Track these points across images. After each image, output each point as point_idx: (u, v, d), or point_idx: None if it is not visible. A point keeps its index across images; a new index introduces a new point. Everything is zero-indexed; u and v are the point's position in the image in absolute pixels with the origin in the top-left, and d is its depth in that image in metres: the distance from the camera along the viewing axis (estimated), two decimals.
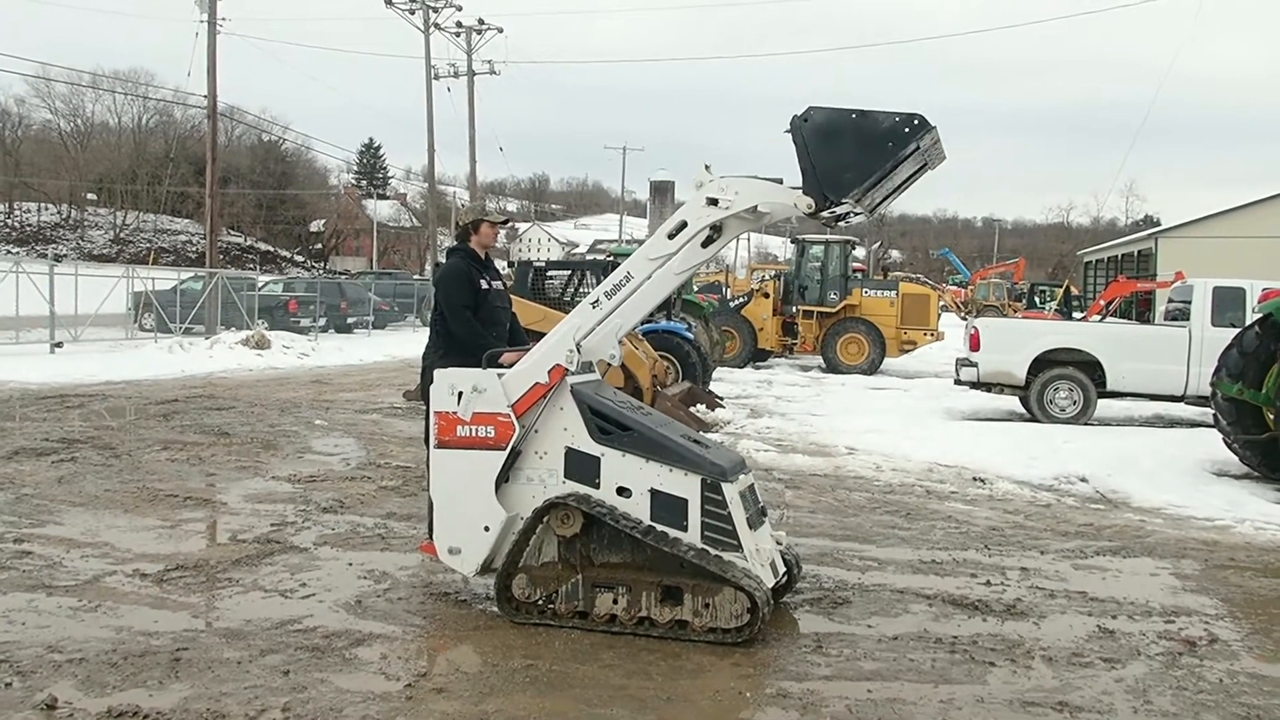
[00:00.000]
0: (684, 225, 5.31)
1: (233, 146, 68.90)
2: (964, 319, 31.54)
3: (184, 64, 30.68)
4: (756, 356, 23.77)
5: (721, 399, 15.04)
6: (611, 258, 18.53)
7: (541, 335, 5.61)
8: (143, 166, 67.79)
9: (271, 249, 72.06)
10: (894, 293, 23.65)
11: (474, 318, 6.09)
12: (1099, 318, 23.73)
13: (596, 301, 5.42)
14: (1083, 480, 9.80)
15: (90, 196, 67.90)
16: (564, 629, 5.16)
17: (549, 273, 15.08)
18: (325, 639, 4.99)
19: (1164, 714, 4.40)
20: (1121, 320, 26.59)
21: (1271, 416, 9.96)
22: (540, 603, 5.24)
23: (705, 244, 5.37)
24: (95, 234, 66.30)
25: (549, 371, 5.29)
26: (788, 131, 5.12)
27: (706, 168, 5.35)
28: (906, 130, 5.05)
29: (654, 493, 5.17)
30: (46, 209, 66.98)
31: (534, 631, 5.15)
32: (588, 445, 5.28)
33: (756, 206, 5.24)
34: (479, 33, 40.01)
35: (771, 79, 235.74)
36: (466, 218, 6.45)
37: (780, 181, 5.27)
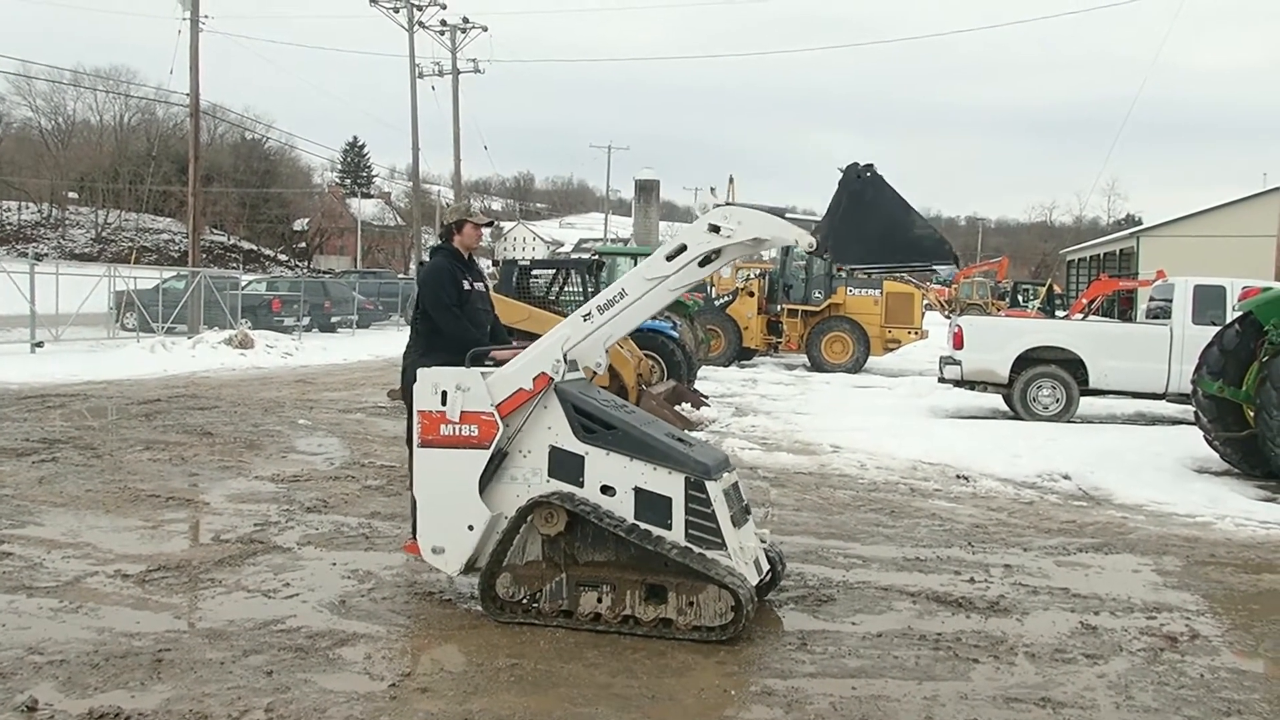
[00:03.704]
0: (684, 248, 5.31)
1: (215, 145, 68.48)
2: (948, 317, 31.65)
3: (166, 62, 30.51)
4: (741, 355, 23.79)
5: (706, 397, 15.05)
6: (597, 256, 18.51)
7: (526, 334, 5.59)
8: (125, 165, 67.32)
9: (255, 248, 71.72)
10: (878, 291, 23.68)
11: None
12: (1081, 316, 23.86)
13: (589, 315, 5.40)
14: (1065, 477, 9.85)
15: (72, 195, 67.43)
16: (548, 628, 5.15)
17: (534, 272, 15.05)
18: (309, 639, 4.98)
19: (1146, 709, 4.43)
20: (1104, 318, 26.73)
21: (1251, 414, 10.03)
22: (524, 602, 5.24)
23: (703, 263, 5.38)
24: (77, 233, 65.88)
25: (534, 379, 5.28)
26: (841, 170, 5.17)
27: (712, 190, 5.41)
28: (932, 250, 5.13)
29: (638, 491, 5.17)
30: (27, 208, 66.50)
31: (518, 631, 5.14)
32: (572, 444, 5.28)
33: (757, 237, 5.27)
34: (463, 31, 39.94)
35: (760, 77, 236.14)
36: (451, 217, 6.42)
37: (783, 214, 5.27)
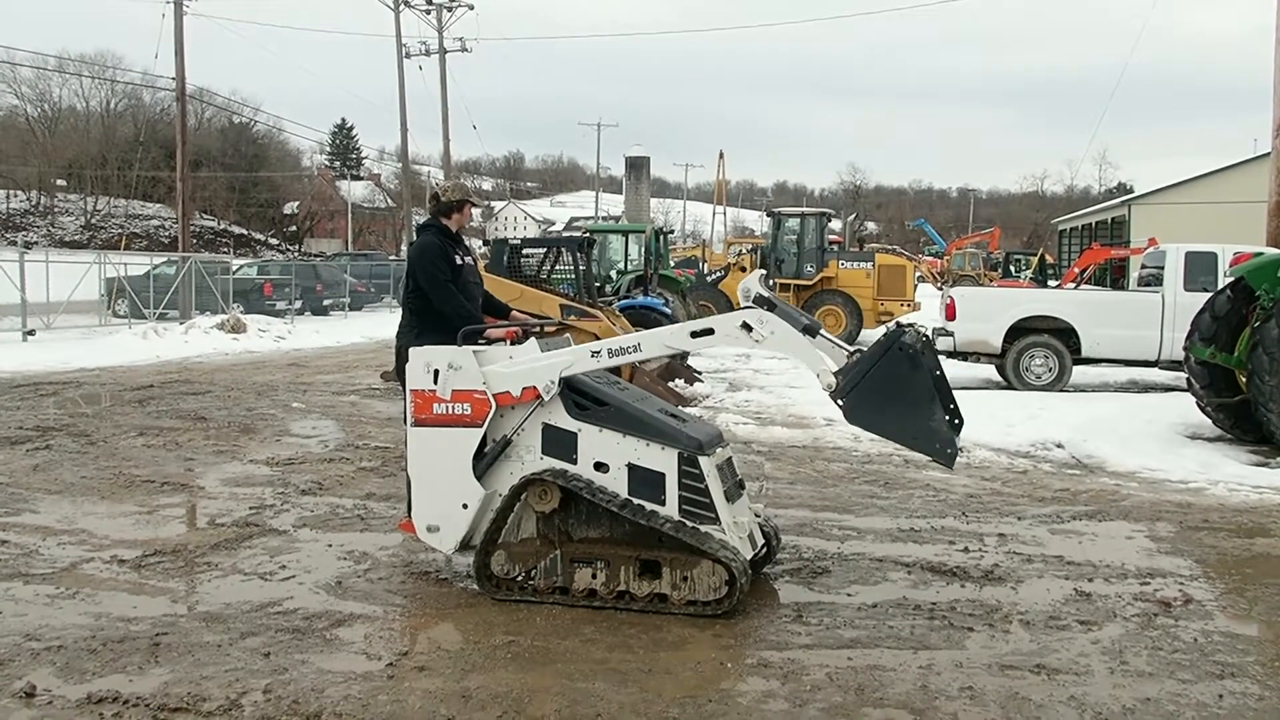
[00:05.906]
0: (710, 332, 5.28)
1: (203, 129, 68.07)
2: (940, 289, 31.66)
3: (151, 46, 30.32)
4: None
5: (700, 373, 15.06)
6: (588, 234, 18.46)
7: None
8: (112, 151, 66.89)
9: (245, 232, 71.45)
10: (870, 264, 23.68)
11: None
12: (1074, 285, 23.89)
13: (598, 353, 5.34)
14: (1059, 446, 9.88)
15: (60, 182, 67.02)
16: (545, 605, 5.17)
17: (525, 251, 15.01)
18: (306, 620, 4.99)
19: (1140, 674, 4.45)
20: (1096, 287, 26.76)
21: (1243, 379, 10.05)
22: (519, 579, 5.25)
23: None
24: (66, 220, 65.56)
25: (523, 389, 5.27)
26: (887, 332, 5.11)
27: (761, 276, 5.38)
28: (938, 449, 4.98)
29: (631, 467, 5.18)
30: (15, 196, 66.09)
31: (515, 608, 5.16)
32: (565, 421, 5.28)
33: None
34: (450, 10, 39.71)
35: (750, 50, 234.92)
36: (453, 195, 6.33)
37: (816, 333, 5.20)
